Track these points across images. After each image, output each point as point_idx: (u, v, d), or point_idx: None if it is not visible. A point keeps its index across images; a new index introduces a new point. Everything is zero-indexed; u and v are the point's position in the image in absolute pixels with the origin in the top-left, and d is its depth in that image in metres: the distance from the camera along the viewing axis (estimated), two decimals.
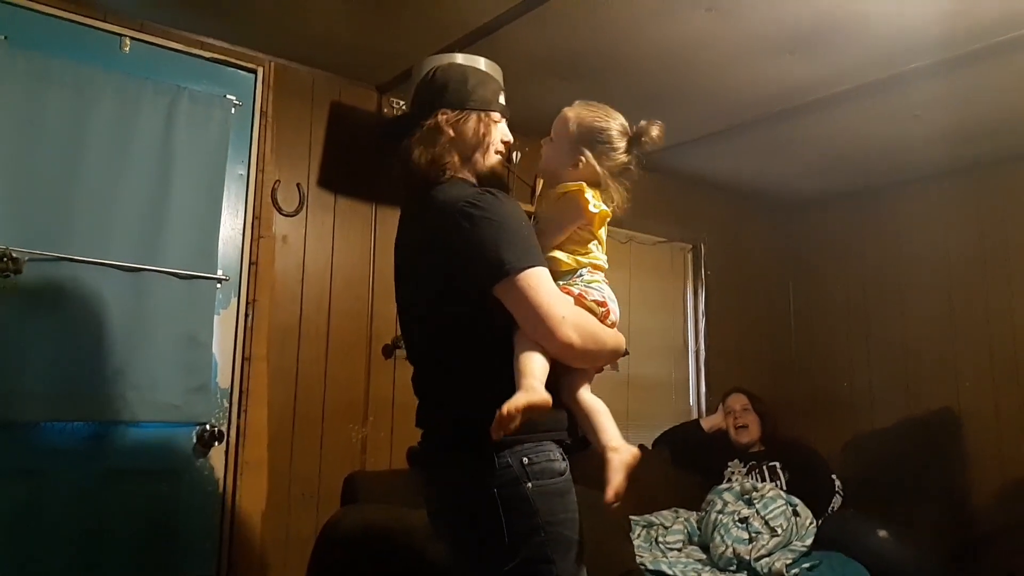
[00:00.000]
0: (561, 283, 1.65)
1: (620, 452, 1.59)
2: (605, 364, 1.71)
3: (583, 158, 1.71)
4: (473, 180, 1.69)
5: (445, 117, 1.67)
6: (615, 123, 1.74)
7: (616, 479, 1.56)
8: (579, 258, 1.70)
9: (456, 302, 1.58)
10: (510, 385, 1.50)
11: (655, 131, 1.73)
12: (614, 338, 1.66)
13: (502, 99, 1.76)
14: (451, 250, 1.56)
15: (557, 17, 2.69)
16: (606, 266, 1.76)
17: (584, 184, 1.71)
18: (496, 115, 1.74)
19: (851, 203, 4.77)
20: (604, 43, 2.90)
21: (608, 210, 1.71)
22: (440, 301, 1.61)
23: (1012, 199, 4.08)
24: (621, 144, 1.73)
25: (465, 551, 1.59)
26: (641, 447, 4.15)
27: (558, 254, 1.70)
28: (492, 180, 1.71)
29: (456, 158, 1.67)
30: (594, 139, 1.72)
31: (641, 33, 2.82)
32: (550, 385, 1.51)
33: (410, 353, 1.74)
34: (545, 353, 1.53)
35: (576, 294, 1.64)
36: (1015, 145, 3.87)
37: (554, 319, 1.50)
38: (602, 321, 1.65)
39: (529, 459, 1.51)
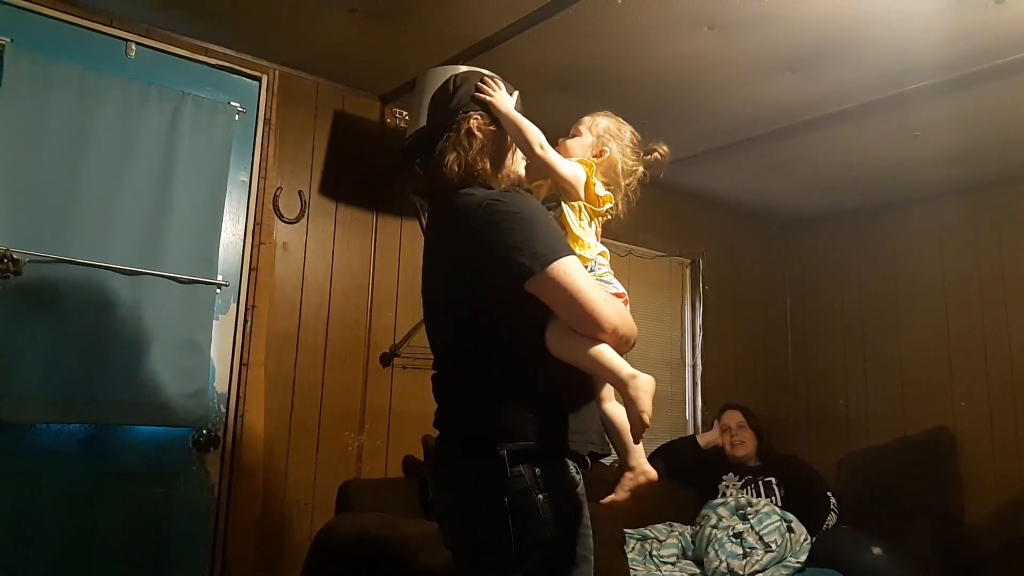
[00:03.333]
0: None
1: (635, 473, 1.61)
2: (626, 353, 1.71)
3: (607, 149, 1.81)
4: (500, 185, 1.67)
5: (477, 122, 1.66)
6: (631, 132, 1.87)
7: (619, 494, 1.59)
8: (585, 254, 1.70)
9: (481, 304, 1.57)
10: (529, 391, 1.51)
11: (663, 147, 1.86)
12: (635, 327, 1.65)
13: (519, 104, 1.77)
14: (479, 248, 1.53)
15: (559, 32, 2.71)
16: (608, 254, 1.77)
17: (594, 165, 1.78)
18: None
19: (849, 221, 4.79)
20: (606, 59, 2.91)
21: (610, 195, 1.77)
22: (465, 303, 1.60)
23: (1009, 221, 4.11)
24: (637, 151, 1.85)
25: (469, 558, 1.56)
26: None
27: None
28: (517, 186, 1.71)
29: (488, 164, 1.65)
30: (618, 138, 1.83)
31: (643, 49, 2.84)
32: (586, 390, 1.51)
33: (435, 360, 1.71)
34: (598, 342, 1.51)
35: None
36: (1013, 167, 3.89)
37: (597, 302, 1.49)
38: None
39: (542, 470, 1.48)
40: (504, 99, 1.70)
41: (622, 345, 1.58)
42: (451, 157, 1.62)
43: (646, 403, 1.42)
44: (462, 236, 1.58)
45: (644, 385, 1.44)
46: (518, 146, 1.72)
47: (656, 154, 1.87)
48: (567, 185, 1.72)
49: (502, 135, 1.69)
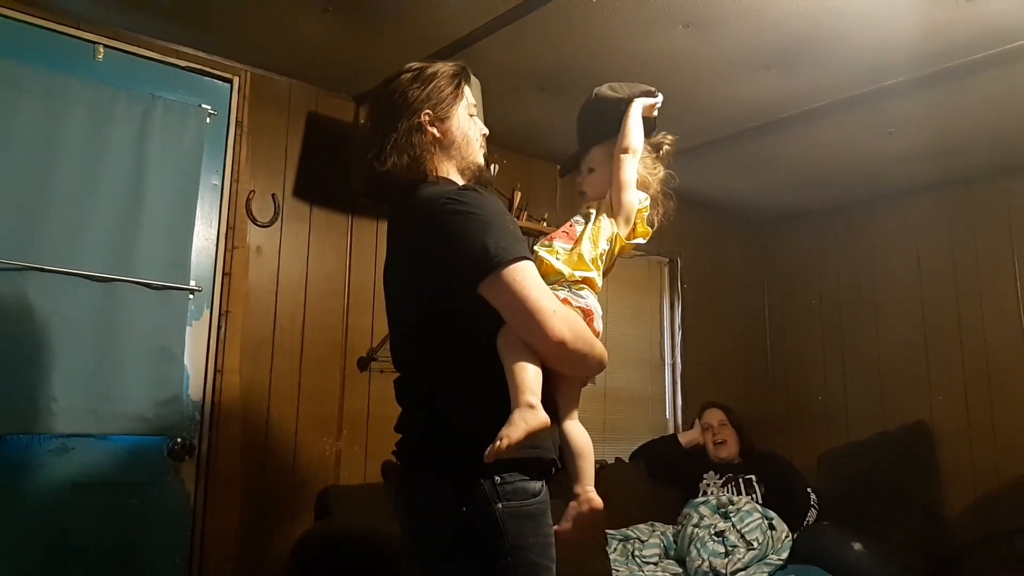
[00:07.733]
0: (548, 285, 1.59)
1: (579, 501, 1.59)
2: (591, 374, 1.66)
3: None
4: (458, 179, 1.65)
5: (428, 117, 1.62)
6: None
7: (563, 524, 1.57)
8: (574, 272, 1.66)
9: (441, 307, 1.52)
10: (492, 402, 1.45)
11: (667, 137, 1.91)
12: (600, 346, 1.59)
13: (468, 90, 1.73)
14: (435, 247, 1.49)
15: (535, 31, 2.70)
16: (599, 285, 1.72)
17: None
18: (472, 107, 1.71)
19: (826, 218, 4.82)
20: (582, 58, 2.90)
21: (649, 230, 1.83)
22: (426, 307, 1.55)
23: (983, 215, 4.15)
24: (651, 155, 1.87)
25: (430, 567, 1.53)
26: (618, 460, 4.13)
27: (555, 262, 1.66)
28: (478, 177, 1.69)
29: (440, 157, 1.63)
30: None
31: (619, 48, 2.83)
32: (544, 401, 1.45)
33: (396, 364, 1.67)
34: (536, 360, 1.46)
35: (561, 298, 1.58)
36: (987, 162, 3.93)
37: (545, 312, 1.43)
38: None
39: (502, 478, 1.43)
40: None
41: (576, 363, 1.54)
42: (393, 159, 1.57)
43: (516, 434, 1.35)
44: (421, 232, 1.54)
45: (530, 419, 1.38)
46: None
47: (665, 146, 1.90)
48: (621, 208, 1.75)
49: (454, 125, 1.66)
